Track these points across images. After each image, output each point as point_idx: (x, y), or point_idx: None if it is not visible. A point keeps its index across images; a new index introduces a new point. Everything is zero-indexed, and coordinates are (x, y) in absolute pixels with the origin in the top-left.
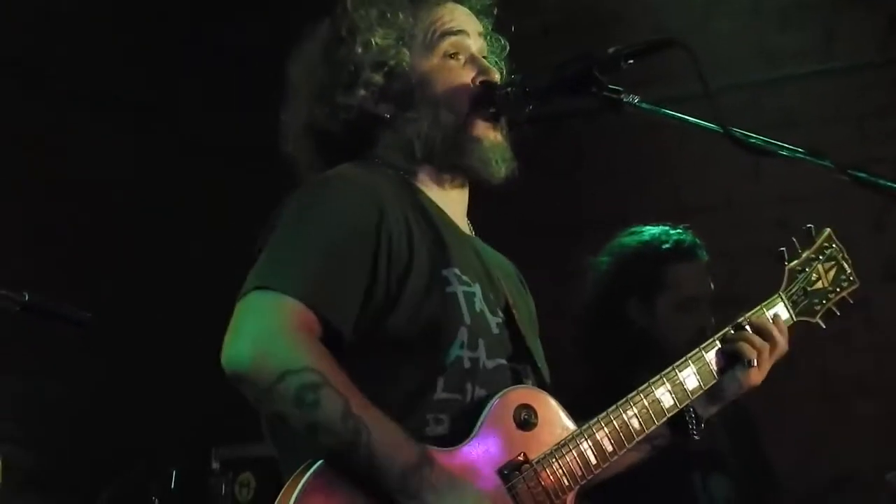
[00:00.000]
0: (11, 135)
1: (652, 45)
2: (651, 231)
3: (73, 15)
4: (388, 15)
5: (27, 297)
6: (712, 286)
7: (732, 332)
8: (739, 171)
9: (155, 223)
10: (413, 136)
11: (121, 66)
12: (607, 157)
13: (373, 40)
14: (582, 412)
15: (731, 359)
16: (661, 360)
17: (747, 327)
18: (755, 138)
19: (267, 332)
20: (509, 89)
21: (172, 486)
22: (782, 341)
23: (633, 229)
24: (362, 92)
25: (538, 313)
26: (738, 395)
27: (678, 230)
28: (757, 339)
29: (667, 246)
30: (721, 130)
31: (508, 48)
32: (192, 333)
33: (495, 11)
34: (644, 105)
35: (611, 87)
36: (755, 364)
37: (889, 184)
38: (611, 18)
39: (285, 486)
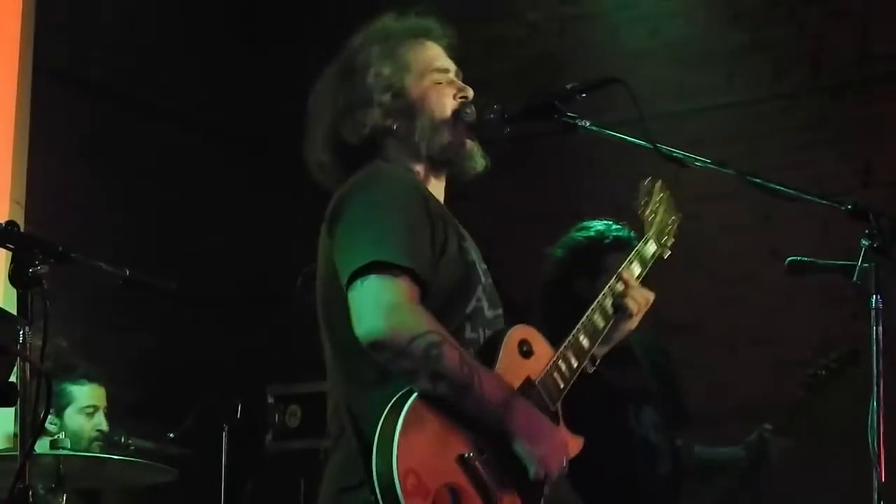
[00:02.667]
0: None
1: (599, 82)
2: (597, 227)
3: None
4: (390, 52)
5: (128, 273)
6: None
7: (619, 287)
8: (663, 177)
9: (223, 218)
10: (419, 140)
11: (198, 86)
12: (561, 167)
13: (383, 71)
14: None
15: (617, 308)
16: None
17: (626, 285)
18: (676, 152)
19: (394, 307)
20: (492, 115)
21: (238, 415)
22: (648, 295)
23: (582, 224)
24: (377, 110)
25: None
26: (620, 339)
27: (618, 226)
28: (637, 295)
29: (607, 241)
30: (651, 146)
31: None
32: (252, 302)
33: (452, 44)
34: (593, 128)
35: (568, 114)
36: (634, 315)
37: (775, 186)
38: (563, 65)
39: (383, 420)
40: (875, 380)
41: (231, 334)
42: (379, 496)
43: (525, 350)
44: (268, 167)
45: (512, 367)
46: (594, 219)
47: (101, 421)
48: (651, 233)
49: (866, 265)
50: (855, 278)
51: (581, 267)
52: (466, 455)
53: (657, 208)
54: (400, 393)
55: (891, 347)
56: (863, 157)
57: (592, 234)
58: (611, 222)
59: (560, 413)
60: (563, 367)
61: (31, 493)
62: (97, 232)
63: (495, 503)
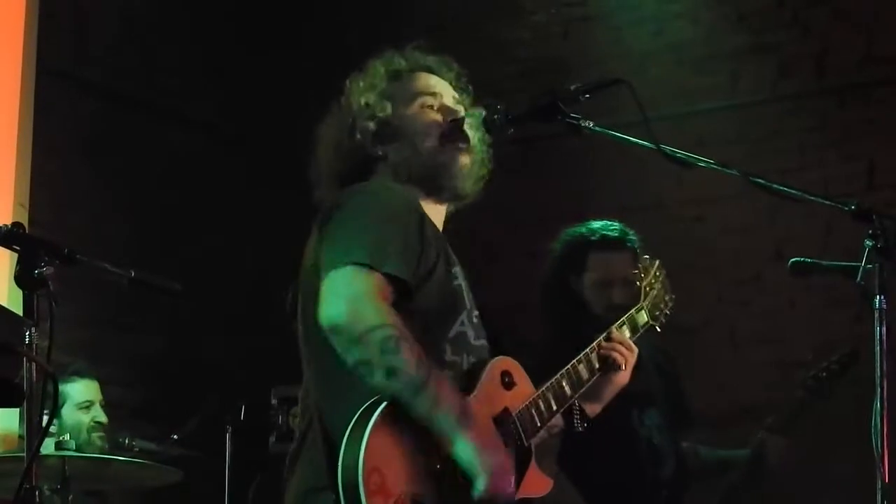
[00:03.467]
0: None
1: (603, 84)
2: (591, 224)
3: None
4: (373, 84)
5: (133, 274)
6: (634, 271)
7: (605, 342)
8: (666, 178)
9: (222, 221)
10: (401, 161)
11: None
12: (565, 169)
13: (367, 102)
14: (546, 358)
15: (605, 364)
16: (591, 321)
17: (614, 341)
18: (680, 153)
19: (358, 296)
20: (496, 116)
21: (242, 416)
22: (636, 350)
23: (584, 223)
24: (358, 136)
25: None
26: (613, 395)
27: (612, 226)
28: (624, 350)
29: (594, 238)
30: (655, 147)
31: (484, 115)
32: (257, 303)
33: (466, 85)
34: (597, 128)
35: (572, 115)
36: (624, 368)
37: (779, 186)
38: (568, 66)
39: (354, 421)
40: (878, 380)
41: (235, 336)
42: (340, 490)
43: (507, 381)
44: (270, 168)
45: (491, 395)
46: (598, 219)
47: (98, 413)
48: (646, 303)
49: (870, 266)
50: (858, 279)
51: (570, 262)
52: (438, 467)
53: (654, 284)
54: (373, 399)
55: (894, 348)
56: (867, 160)
57: (583, 230)
58: (610, 222)
59: (533, 451)
60: (542, 406)
61: (37, 493)
62: (100, 233)
63: None
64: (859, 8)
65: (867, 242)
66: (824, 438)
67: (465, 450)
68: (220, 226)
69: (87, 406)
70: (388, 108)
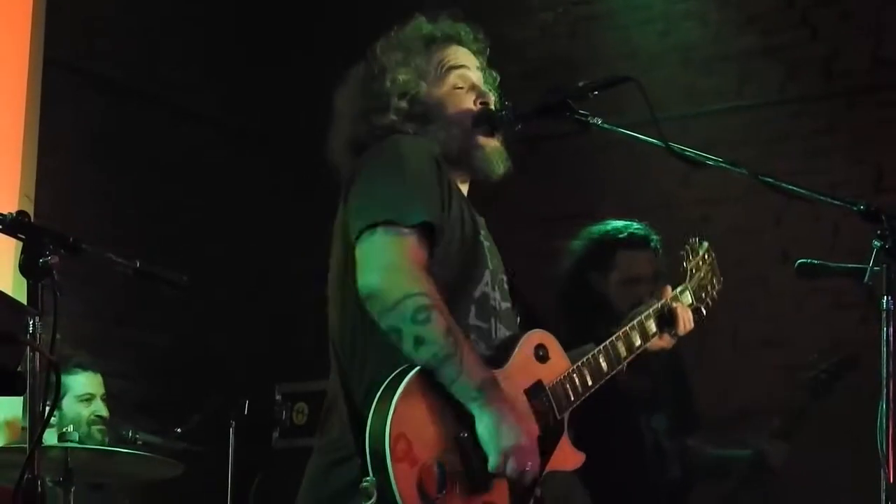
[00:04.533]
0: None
1: (612, 81)
2: (615, 223)
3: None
4: (408, 58)
5: (138, 264)
6: (657, 269)
7: (667, 310)
8: (673, 178)
9: (231, 214)
10: (434, 142)
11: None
12: (572, 169)
13: (399, 77)
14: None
15: (662, 327)
16: (613, 319)
17: (676, 307)
18: (689, 151)
19: (392, 264)
20: (504, 112)
21: (245, 411)
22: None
23: (605, 221)
24: (392, 116)
25: (524, 286)
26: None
27: (636, 225)
28: (687, 319)
29: (622, 236)
30: (663, 145)
31: (499, 80)
32: (259, 300)
33: (487, 52)
34: (605, 125)
35: (580, 112)
36: (679, 335)
37: (787, 186)
38: (576, 66)
39: (383, 388)
40: (885, 381)
41: (240, 332)
42: (368, 455)
43: (541, 354)
44: (278, 163)
45: (525, 367)
46: (613, 219)
47: (99, 407)
48: (690, 284)
49: (877, 268)
50: (866, 280)
51: (594, 259)
52: (464, 435)
53: (701, 266)
54: (402, 368)
55: None
56: (875, 163)
57: (609, 228)
58: (631, 222)
59: (566, 424)
60: (578, 381)
61: (39, 483)
62: (106, 226)
63: (484, 489)
64: (868, 10)
65: (875, 243)
66: (825, 440)
67: (485, 424)
68: (225, 222)
69: (87, 399)
70: (423, 88)
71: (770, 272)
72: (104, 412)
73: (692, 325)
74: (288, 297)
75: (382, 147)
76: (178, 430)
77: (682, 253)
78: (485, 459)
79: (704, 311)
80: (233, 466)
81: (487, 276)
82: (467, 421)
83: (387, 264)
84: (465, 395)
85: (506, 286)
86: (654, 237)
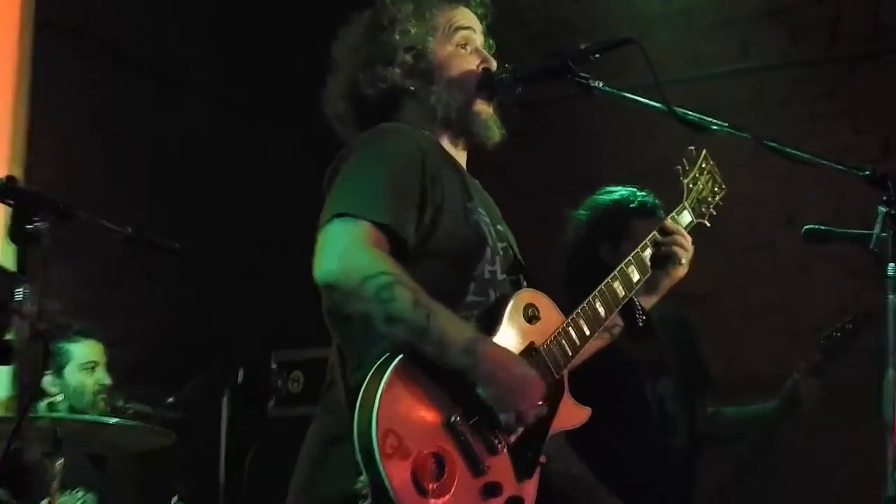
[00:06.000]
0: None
1: (613, 44)
2: (621, 191)
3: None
4: (419, 11)
5: (130, 230)
6: (677, 166)
7: (660, 236)
8: (675, 144)
9: (230, 184)
10: (435, 103)
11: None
12: (573, 135)
13: (409, 30)
14: None
15: (661, 258)
16: None
17: (671, 232)
18: (692, 115)
19: (348, 249)
20: (504, 75)
21: (239, 380)
22: (690, 242)
23: (607, 189)
24: (397, 69)
25: (522, 254)
26: (669, 287)
27: (643, 192)
28: (683, 242)
29: (633, 205)
30: (666, 109)
31: (497, 48)
32: (255, 265)
33: (489, 17)
34: (607, 89)
35: (582, 74)
36: (683, 262)
37: (792, 151)
38: (578, 30)
39: (368, 378)
40: (891, 349)
41: (236, 300)
42: (358, 454)
43: (531, 314)
44: (273, 134)
45: (515, 331)
46: (616, 185)
47: (102, 376)
48: (687, 201)
49: (884, 234)
50: (872, 246)
51: (605, 230)
52: (453, 419)
53: (699, 177)
54: (388, 353)
55: None
56: (881, 128)
57: (617, 196)
58: (635, 189)
59: (566, 382)
60: (574, 334)
61: (24, 454)
62: (100, 196)
63: (484, 471)
64: None
65: (881, 209)
66: (833, 409)
67: (485, 384)
68: (222, 191)
69: (91, 367)
70: (430, 44)
71: (776, 238)
72: (107, 381)
73: (691, 246)
74: (284, 264)
75: (366, 139)
76: (171, 399)
77: (677, 168)
78: (481, 435)
79: (708, 223)
80: (227, 436)
81: (488, 253)
82: (458, 403)
83: (341, 250)
84: (455, 362)
85: (511, 251)
86: (659, 204)
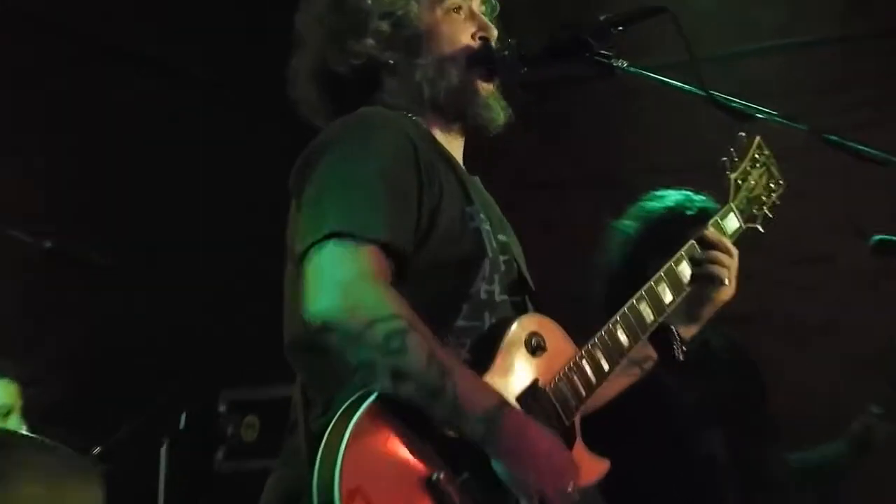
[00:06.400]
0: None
1: (640, 14)
2: (674, 196)
3: None
4: None
5: (49, 244)
6: (723, 158)
7: (699, 249)
8: (711, 134)
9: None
10: (422, 80)
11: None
12: (590, 123)
13: None
14: None
15: (702, 277)
16: None
17: (713, 244)
18: (736, 102)
19: (353, 282)
20: (506, 52)
21: (182, 426)
22: (736, 255)
23: (655, 194)
24: (371, 40)
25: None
26: (713, 314)
27: (701, 196)
28: (725, 258)
29: (690, 212)
30: (704, 94)
31: (499, 9)
32: (203, 284)
33: None
34: (632, 69)
35: (601, 52)
36: (727, 282)
37: (857, 145)
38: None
39: (334, 423)
40: None
41: (178, 325)
42: None
43: (535, 345)
44: (233, 119)
45: (516, 365)
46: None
47: (17, 423)
48: (735, 201)
49: None
50: None
51: (658, 244)
52: (435, 477)
53: (750, 171)
54: (360, 393)
55: None
56: None
57: (671, 203)
58: (687, 192)
59: (577, 429)
60: (589, 369)
61: None
62: (25, 199)
63: None
64: None
65: None
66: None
67: (503, 465)
68: (171, 188)
69: (5, 414)
70: (412, 8)
71: (834, 249)
72: (22, 428)
73: (735, 261)
74: (237, 284)
75: (341, 129)
76: (97, 448)
77: (723, 161)
78: (480, 501)
79: (762, 229)
80: (165, 493)
81: (486, 268)
82: (442, 455)
83: (345, 283)
84: (471, 432)
85: (515, 267)
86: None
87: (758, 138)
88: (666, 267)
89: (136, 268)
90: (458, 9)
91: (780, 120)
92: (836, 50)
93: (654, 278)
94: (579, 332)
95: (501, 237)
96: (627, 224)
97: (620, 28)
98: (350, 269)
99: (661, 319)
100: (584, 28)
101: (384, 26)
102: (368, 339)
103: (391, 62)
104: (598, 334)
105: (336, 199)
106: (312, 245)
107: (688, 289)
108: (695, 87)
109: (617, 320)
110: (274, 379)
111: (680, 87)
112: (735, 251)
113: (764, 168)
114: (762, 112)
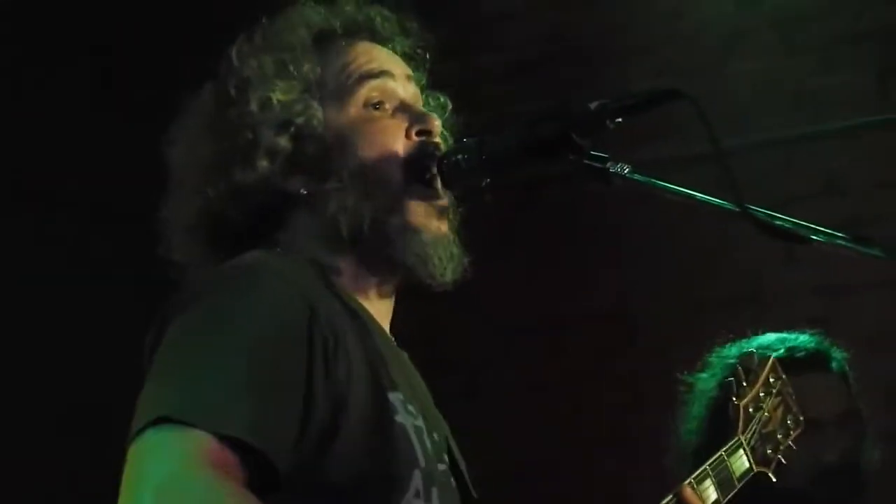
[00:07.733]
0: None
1: (649, 98)
2: (764, 339)
3: None
4: (288, 63)
5: None
6: (850, 406)
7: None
8: (772, 252)
9: None
10: (336, 212)
11: None
12: (598, 233)
13: (272, 96)
14: None
15: None
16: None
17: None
18: (782, 219)
19: (172, 477)
20: (460, 156)
21: None
22: None
23: (739, 342)
24: (264, 163)
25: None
26: None
27: (798, 336)
28: None
29: (780, 355)
30: (737, 209)
31: (450, 107)
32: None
33: (427, 59)
34: (637, 177)
35: (593, 153)
36: None
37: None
38: (601, 57)
39: None
40: None
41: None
42: None
43: None
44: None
45: None
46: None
47: None
48: (745, 436)
49: None
50: None
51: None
52: None
53: (765, 399)
54: None
55: None
56: None
57: (753, 345)
58: (784, 335)
59: None
60: None
61: None
62: None
63: None
64: None
65: None
66: None
67: None
68: None
69: None
70: (315, 112)
71: None
72: None
73: None
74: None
75: (223, 284)
76: None
77: (728, 380)
78: None
79: (774, 477)
80: None
81: (416, 481)
82: None
83: (160, 479)
84: None
85: (456, 476)
86: (837, 353)
87: (772, 359)
88: None
89: None
90: (378, 104)
91: (845, 244)
92: None
93: None
94: None
95: (436, 436)
96: (704, 378)
97: (619, 120)
98: (170, 460)
99: None
100: (569, 119)
101: (281, 142)
102: None
103: (301, 191)
104: None
105: (180, 377)
106: (136, 434)
107: None
108: (727, 200)
109: None
110: None
111: (705, 200)
112: None
113: (780, 399)
114: (820, 233)
